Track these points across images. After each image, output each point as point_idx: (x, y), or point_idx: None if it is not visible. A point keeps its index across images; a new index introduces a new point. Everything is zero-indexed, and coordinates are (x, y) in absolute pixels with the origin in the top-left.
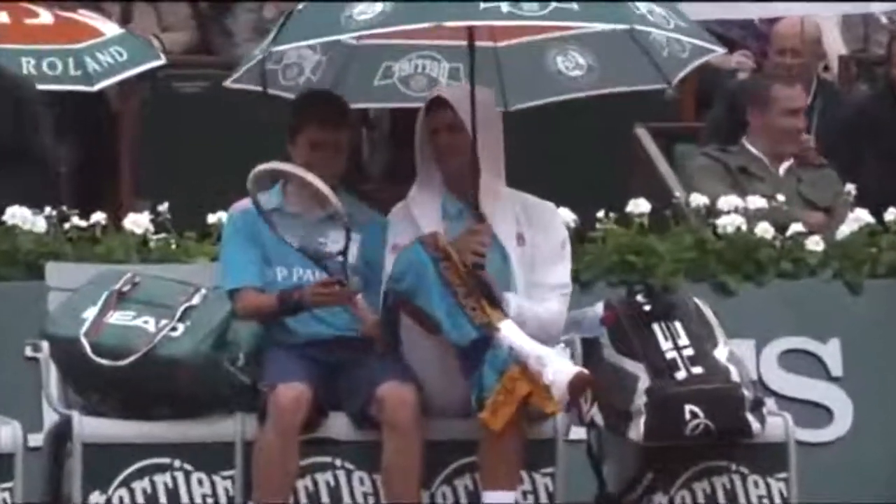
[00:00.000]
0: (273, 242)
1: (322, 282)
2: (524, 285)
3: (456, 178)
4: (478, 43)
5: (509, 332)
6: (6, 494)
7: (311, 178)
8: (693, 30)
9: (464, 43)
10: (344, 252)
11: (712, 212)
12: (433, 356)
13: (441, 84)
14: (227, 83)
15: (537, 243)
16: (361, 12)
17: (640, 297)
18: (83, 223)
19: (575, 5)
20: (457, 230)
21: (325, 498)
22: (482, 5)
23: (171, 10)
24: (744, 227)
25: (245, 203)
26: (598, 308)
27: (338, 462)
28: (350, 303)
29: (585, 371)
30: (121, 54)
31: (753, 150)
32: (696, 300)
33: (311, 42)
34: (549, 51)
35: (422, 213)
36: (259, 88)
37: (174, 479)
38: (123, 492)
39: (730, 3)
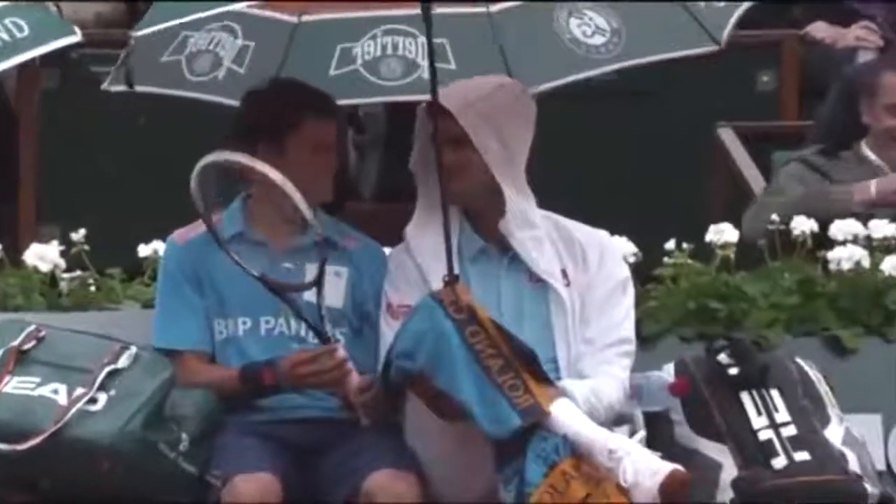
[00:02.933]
0: (230, 282)
1: (308, 355)
2: (572, 341)
3: (471, 207)
4: (467, 8)
5: (565, 416)
6: None
7: (275, 175)
8: None
9: (440, 10)
10: (317, 282)
11: (823, 242)
12: (447, 437)
13: (420, 66)
14: (104, 86)
15: (587, 285)
16: None
17: (723, 357)
18: None
19: None
20: (477, 278)
21: None
22: None
23: None
24: (865, 263)
25: (189, 231)
26: (667, 372)
27: None
28: (345, 382)
29: (681, 468)
30: (20, 28)
31: (872, 156)
32: (801, 361)
33: (185, 20)
34: (557, 12)
35: (429, 256)
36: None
37: None
38: None
39: None
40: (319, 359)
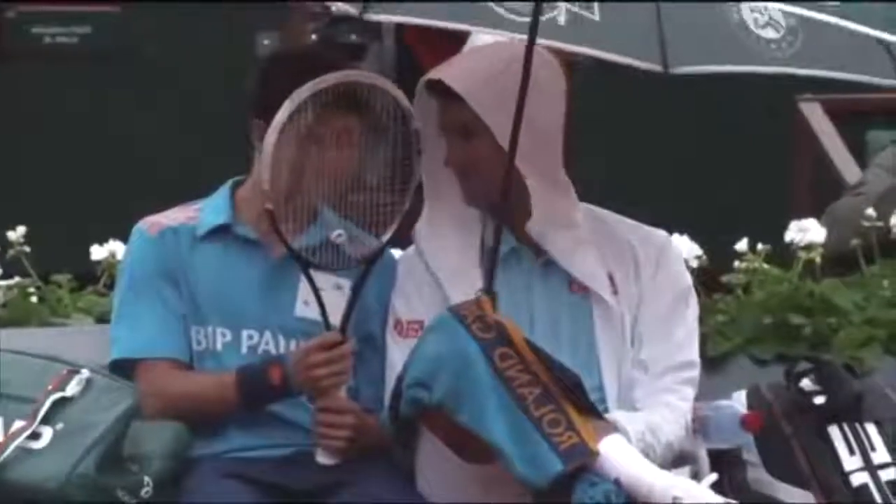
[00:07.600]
0: (209, 284)
1: (323, 340)
2: (623, 364)
3: (490, 201)
4: None
5: (616, 456)
6: None
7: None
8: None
9: None
10: (371, 260)
11: None
12: (471, 483)
13: (559, 7)
14: None
15: (641, 296)
16: None
17: (807, 384)
18: None
19: None
20: (504, 286)
21: None
22: None
23: None
24: None
25: (164, 219)
26: (739, 402)
27: None
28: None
29: None
30: None
31: None
32: None
33: None
34: None
35: (446, 260)
36: None
37: None
38: None
39: None
40: (335, 345)
